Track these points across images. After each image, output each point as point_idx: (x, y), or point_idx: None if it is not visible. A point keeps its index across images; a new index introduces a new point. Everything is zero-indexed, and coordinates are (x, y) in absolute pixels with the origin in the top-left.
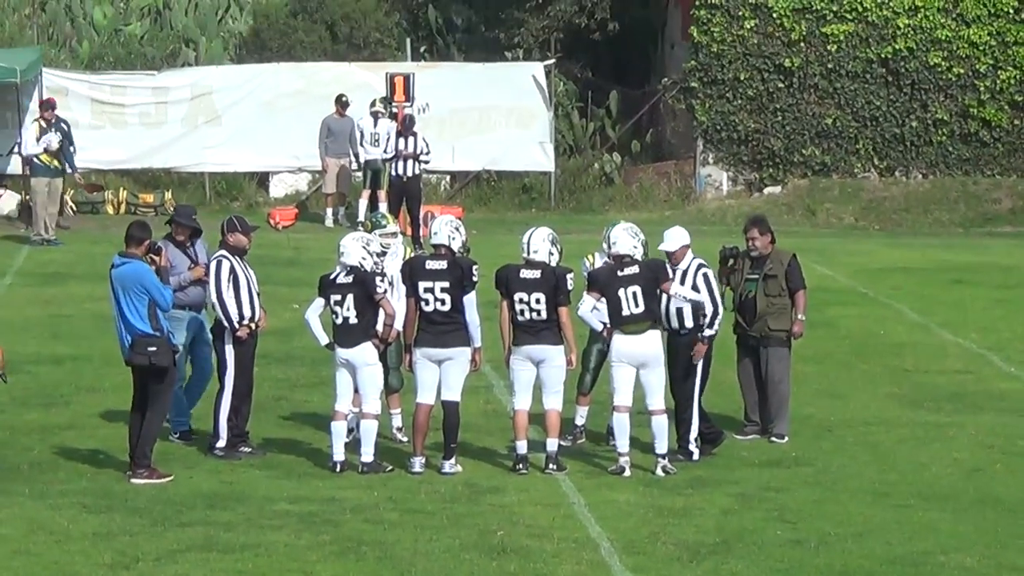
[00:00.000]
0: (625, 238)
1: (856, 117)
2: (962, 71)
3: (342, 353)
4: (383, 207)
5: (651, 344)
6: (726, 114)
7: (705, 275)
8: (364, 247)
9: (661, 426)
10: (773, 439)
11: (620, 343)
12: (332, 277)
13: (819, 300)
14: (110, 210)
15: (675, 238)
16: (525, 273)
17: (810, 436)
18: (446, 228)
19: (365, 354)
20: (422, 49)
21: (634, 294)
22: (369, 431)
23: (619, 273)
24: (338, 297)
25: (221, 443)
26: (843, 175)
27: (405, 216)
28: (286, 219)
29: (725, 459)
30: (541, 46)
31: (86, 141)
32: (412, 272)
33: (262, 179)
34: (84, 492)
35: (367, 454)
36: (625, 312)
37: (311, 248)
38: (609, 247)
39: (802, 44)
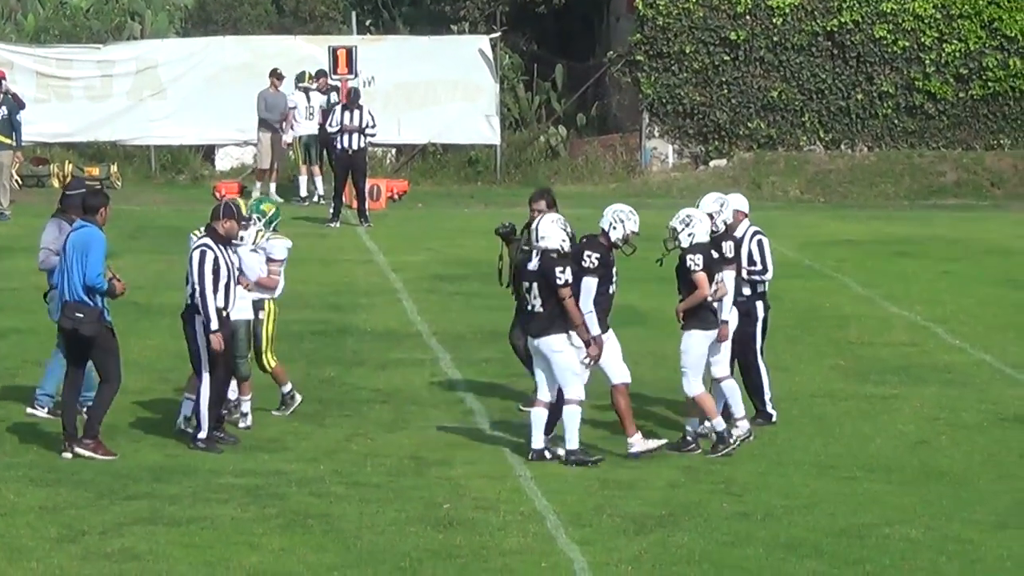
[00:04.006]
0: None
1: (801, 90)
2: (907, 44)
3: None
4: (318, 180)
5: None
6: (672, 87)
7: (759, 242)
8: (563, 228)
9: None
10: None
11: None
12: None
13: None
14: (56, 183)
15: (733, 203)
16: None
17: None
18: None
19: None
20: (367, 22)
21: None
22: (572, 416)
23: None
24: (526, 284)
25: (203, 434)
26: (789, 148)
27: (351, 190)
28: (232, 192)
29: (669, 433)
30: (487, 19)
31: (31, 114)
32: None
33: (208, 152)
34: (30, 465)
35: (571, 441)
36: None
37: None
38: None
39: (747, 17)
